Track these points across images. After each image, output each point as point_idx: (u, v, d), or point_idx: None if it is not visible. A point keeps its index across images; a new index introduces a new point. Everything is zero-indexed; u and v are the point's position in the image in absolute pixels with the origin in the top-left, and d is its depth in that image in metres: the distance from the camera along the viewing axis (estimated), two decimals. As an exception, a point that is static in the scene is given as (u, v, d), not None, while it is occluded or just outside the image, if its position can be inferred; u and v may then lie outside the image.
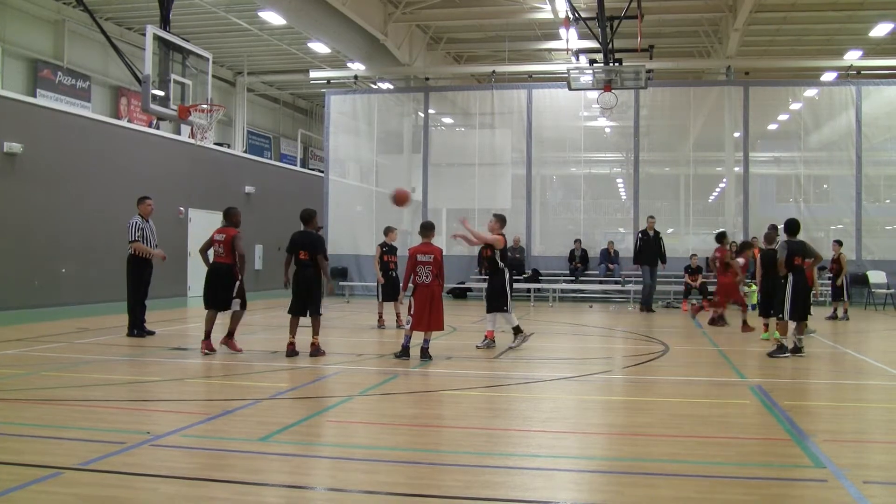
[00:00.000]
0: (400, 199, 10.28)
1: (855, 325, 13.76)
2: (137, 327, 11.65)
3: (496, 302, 10.50)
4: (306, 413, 6.77)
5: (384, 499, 4.35)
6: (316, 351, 9.64)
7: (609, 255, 21.53)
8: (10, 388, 7.48)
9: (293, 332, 9.70)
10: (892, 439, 6.09)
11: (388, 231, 13.63)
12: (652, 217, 18.32)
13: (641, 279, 18.21)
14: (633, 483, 4.73)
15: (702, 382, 8.50)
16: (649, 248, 17.74)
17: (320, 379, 8.46)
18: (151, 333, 11.70)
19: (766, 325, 11.93)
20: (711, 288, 19.40)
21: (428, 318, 9.33)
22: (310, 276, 9.66)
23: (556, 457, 5.31)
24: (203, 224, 21.92)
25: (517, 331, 10.58)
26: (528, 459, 5.20)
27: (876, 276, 19.61)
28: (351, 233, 23.41)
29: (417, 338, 9.51)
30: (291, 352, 9.59)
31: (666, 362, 9.82)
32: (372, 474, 4.86)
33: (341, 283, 22.60)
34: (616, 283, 21.25)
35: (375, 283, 13.54)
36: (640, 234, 18.32)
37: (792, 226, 10.27)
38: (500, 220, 10.75)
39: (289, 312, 9.77)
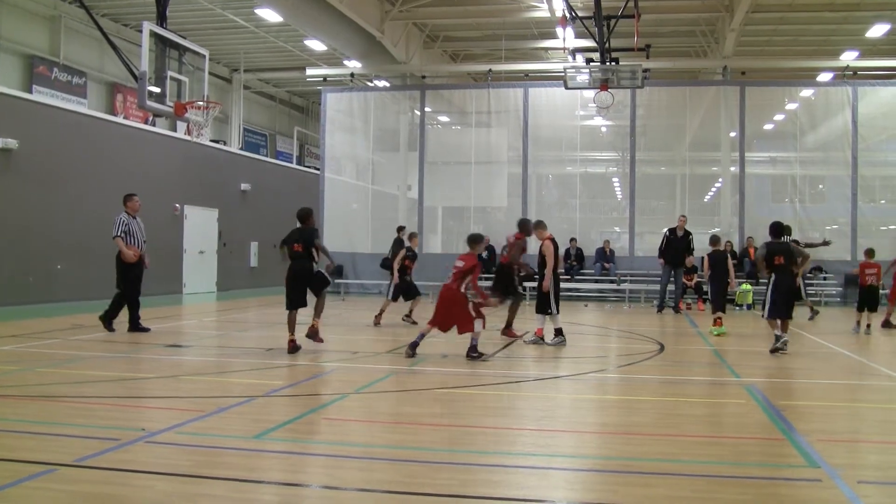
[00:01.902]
0: None
1: (849, 325, 13.77)
2: (133, 323, 11.63)
3: (541, 304, 11.06)
4: (301, 410, 6.77)
5: (379, 496, 4.35)
6: (314, 334, 9.64)
7: (605, 255, 21.53)
8: (4, 384, 7.47)
9: (292, 329, 9.73)
10: (886, 439, 6.10)
11: (412, 236, 13.95)
12: (683, 216, 18.21)
13: (659, 279, 18.11)
14: (627, 482, 4.74)
15: (697, 382, 8.52)
16: (672, 247, 17.64)
17: (316, 376, 8.47)
18: (146, 330, 11.67)
19: (718, 320, 12.65)
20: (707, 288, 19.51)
21: (441, 318, 9.52)
22: (307, 268, 9.79)
23: (551, 455, 5.31)
24: (198, 221, 21.90)
25: (558, 332, 11.01)
26: (522, 458, 5.21)
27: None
28: (347, 231, 23.36)
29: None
30: (293, 348, 9.60)
31: (661, 361, 9.84)
32: (367, 472, 4.86)
33: (337, 281, 22.55)
34: (611, 282, 21.26)
35: (388, 282, 13.84)
36: (666, 232, 18.12)
37: (775, 228, 10.65)
38: (543, 225, 11.40)
39: (287, 308, 9.81)
